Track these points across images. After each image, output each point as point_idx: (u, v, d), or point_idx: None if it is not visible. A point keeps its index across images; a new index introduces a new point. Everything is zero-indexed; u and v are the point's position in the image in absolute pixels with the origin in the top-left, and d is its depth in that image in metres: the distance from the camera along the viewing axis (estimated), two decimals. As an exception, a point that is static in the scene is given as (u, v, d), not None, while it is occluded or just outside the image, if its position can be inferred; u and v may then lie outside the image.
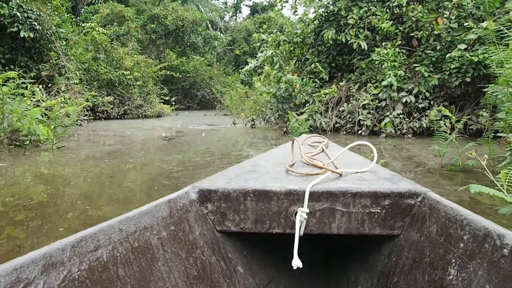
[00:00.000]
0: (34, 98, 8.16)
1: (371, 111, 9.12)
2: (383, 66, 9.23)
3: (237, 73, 28.55)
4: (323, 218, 1.38)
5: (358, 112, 9.21)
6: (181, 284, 1.17)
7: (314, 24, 11.29)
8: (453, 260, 1.09)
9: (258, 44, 11.53)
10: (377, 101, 9.10)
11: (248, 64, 21.57)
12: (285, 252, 1.40)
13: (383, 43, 9.49)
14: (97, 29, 16.85)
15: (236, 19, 47.65)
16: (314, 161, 1.78)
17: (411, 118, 8.89)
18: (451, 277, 1.07)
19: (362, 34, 9.68)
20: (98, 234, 0.99)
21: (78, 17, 25.08)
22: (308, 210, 1.34)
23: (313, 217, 1.37)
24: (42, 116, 7.66)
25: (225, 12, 44.84)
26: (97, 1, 28.93)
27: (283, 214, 1.39)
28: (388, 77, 8.73)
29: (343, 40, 9.82)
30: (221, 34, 37.24)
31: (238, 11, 48.74)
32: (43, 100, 8.63)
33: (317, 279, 1.63)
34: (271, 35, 11.59)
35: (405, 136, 8.67)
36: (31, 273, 0.81)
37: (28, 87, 8.25)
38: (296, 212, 1.35)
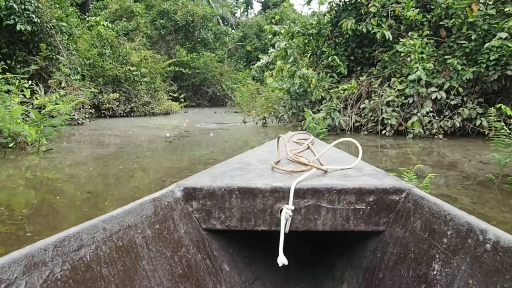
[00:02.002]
0: (25, 95, 7.43)
1: (396, 109, 8.20)
2: (408, 59, 8.32)
3: (248, 70, 27.62)
4: (308, 215, 1.38)
5: (382, 109, 8.30)
6: (166, 282, 1.15)
7: (331, 15, 10.40)
8: (437, 256, 1.09)
9: (270, 36, 10.66)
10: (402, 97, 8.18)
11: (259, 60, 20.84)
12: (271, 249, 1.37)
13: (409, 33, 8.54)
14: (102, 23, 16.12)
15: (247, 15, 46.75)
16: (299, 158, 1.76)
17: (442, 116, 7.94)
18: (435, 273, 1.07)
19: (386, 23, 8.76)
20: (81, 234, 0.97)
21: (87, 13, 24.46)
22: (293, 207, 1.33)
23: (298, 214, 1.37)
24: (36, 116, 6.92)
25: (236, 8, 43.92)
26: (106, -4, 28.25)
27: (269, 212, 1.38)
28: (416, 71, 7.80)
29: (364, 30, 8.91)
30: (232, 30, 36.38)
31: (249, 7, 47.81)
32: (37, 98, 7.90)
33: (303, 275, 1.61)
34: (284, 26, 10.70)
35: (435, 136, 7.74)
36: (12, 274, 0.78)
37: (17, 83, 7.52)
38: (282, 209, 1.34)
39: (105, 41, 16.36)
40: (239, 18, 44.30)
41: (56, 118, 6.68)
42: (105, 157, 5.81)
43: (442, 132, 7.81)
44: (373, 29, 8.81)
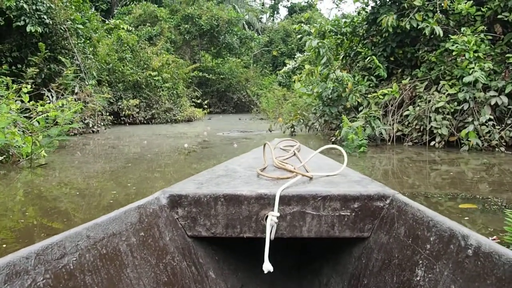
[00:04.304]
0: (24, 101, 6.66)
1: (447, 116, 7.05)
2: (459, 59, 7.17)
3: (274, 75, 26.67)
4: (294, 221, 1.37)
5: (430, 117, 7.16)
6: None
7: (366, 12, 9.34)
8: (420, 261, 1.10)
9: (299, 37, 9.66)
10: (455, 103, 7.02)
11: (286, 65, 19.89)
12: (257, 256, 1.38)
13: (462, 29, 7.39)
14: (122, 26, 15.47)
15: (273, 20, 45.88)
16: (285, 165, 1.75)
17: (503, 125, 6.74)
18: (418, 278, 1.08)
19: (434, 18, 7.62)
20: (64, 242, 0.96)
21: (112, 18, 24.10)
22: (278, 214, 1.32)
23: (283, 220, 1.36)
24: (28, 125, 6.13)
25: (262, 12, 43.11)
26: (130, 2, 27.90)
27: (254, 218, 1.37)
28: (473, 72, 6.65)
29: (407, 26, 7.80)
30: (258, 35, 35.54)
31: (275, 12, 46.96)
32: (41, 105, 7.14)
33: (289, 282, 1.61)
34: (315, 25, 9.69)
35: (496, 149, 6.55)
36: None
37: (14, 87, 6.77)
38: (267, 216, 1.33)
39: (126, 45, 15.70)
40: (265, 23, 43.50)
41: (54, 128, 5.84)
42: (101, 175, 4.93)
43: (504, 143, 6.62)
44: (417, 25, 7.69)
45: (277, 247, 1.36)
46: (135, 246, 1.16)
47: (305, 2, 40.47)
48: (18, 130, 5.90)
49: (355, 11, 9.78)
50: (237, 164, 1.99)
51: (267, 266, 1.21)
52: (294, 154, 2.19)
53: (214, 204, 1.37)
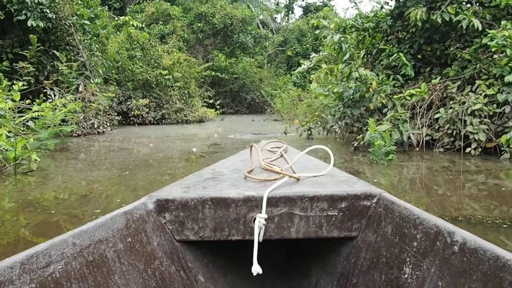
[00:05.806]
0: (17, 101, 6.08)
1: (485, 120, 6.30)
2: (496, 56, 6.43)
3: (288, 75, 25.97)
4: (282, 223, 1.36)
5: (465, 121, 6.41)
6: None
7: (390, 6, 8.64)
8: (408, 259, 1.09)
9: (317, 32, 8.97)
10: (494, 105, 6.27)
11: (300, 66, 19.22)
12: (246, 258, 1.36)
13: (502, 23, 6.63)
14: (131, 23, 14.93)
15: (288, 20, 45.16)
16: (272, 166, 1.74)
17: (550, 130, 5.96)
18: (406, 276, 1.07)
19: (470, 10, 6.87)
20: (50, 250, 0.94)
21: (125, 16, 23.71)
22: (266, 216, 1.31)
23: (271, 222, 1.35)
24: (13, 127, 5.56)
25: (277, 12, 42.40)
26: (143, 1, 27.44)
27: (242, 221, 1.36)
28: (517, 70, 5.91)
29: (439, 20, 7.05)
30: (273, 35, 34.86)
31: (290, 12, 46.23)
32: (38, 104, 6.58)
33: (279, 283, 1.60)
34: (336, 19, 8.99)
35: (542, 157, 5.79)
36: None
37: (4, 84, 6.21)
38: (255, 218, 1.32)
39: (136, 43, 15.16)
40: (279, 23, 42.82)
41: (44, 130, 5.24)
42: (90, 185, 4.32)
43: (551, 151, 5.84)
44: (450, 19, 6.94)
45: (266, 249, 1.36)
46: (122, 252, 1.14)
47: (320, 2, 39.70)
48: (8, 132, 5.32)
49: (371, 12, 9.11)
50: (224, 167, 1.96)
51: (256, 269, 1.21)
52: (281, 156, 2.17)
53: (201, 207, 1.36)
